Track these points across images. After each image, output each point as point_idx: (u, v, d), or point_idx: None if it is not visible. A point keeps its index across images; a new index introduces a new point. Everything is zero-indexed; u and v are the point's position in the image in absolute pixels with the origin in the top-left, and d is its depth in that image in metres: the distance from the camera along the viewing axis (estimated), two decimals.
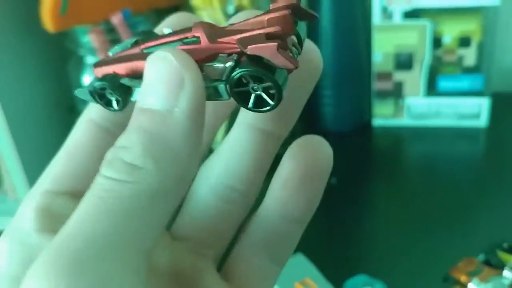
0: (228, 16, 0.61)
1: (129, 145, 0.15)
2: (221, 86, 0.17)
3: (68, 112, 0.66)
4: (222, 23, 0.62)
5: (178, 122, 0.15)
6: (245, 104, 0.17)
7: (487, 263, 0.46)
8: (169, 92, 0.15)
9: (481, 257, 0.46)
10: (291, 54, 0.16)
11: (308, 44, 0.20)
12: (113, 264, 0.14)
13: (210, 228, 0.21)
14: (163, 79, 0.15)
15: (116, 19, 0.58)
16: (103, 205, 0.15)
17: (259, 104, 0.17)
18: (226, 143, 0.21)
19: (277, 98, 0.16)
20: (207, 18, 0.62)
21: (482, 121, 0.69)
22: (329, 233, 0.54)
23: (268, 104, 0.16)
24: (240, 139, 0.20)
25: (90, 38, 0.59)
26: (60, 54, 0.64)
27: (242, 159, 0.20)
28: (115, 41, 0.59)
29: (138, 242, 0.15)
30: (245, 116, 0.20)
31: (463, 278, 0.44)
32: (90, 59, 0.61)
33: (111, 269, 0.14)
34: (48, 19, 0.55)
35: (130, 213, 0.15)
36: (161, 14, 0.67)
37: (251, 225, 0.20)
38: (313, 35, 0.68)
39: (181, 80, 0.15)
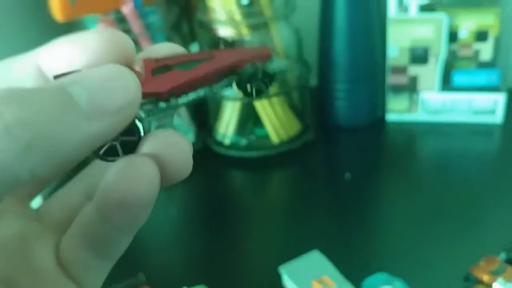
0: (241, 7, 0.60)
1: None
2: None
3: None
4: (235, 14, 0.60)
5: None
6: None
7: (509, 261, 0.45)
8: None
9: (502, 255, 0.45)
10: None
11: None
12: None
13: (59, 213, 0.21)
14: None
15: (127, 9, 0.57)
16: None
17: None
18: None
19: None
20: (220, 9, 0.60)
21: (498, 117, 0.68)
22: (346, 230, 0.53)
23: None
24: None
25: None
26: None
27: None
28: (126, 31, 0.58)
29: None
30: None
31: (486, 278, 0.43)
32: None
33: None
34: (57, 8, 0.54)
35: None
36: (172, 3, 0.66)
37: (78, 217, 0.19)
38: (327, 27, 0.66)
39: None
